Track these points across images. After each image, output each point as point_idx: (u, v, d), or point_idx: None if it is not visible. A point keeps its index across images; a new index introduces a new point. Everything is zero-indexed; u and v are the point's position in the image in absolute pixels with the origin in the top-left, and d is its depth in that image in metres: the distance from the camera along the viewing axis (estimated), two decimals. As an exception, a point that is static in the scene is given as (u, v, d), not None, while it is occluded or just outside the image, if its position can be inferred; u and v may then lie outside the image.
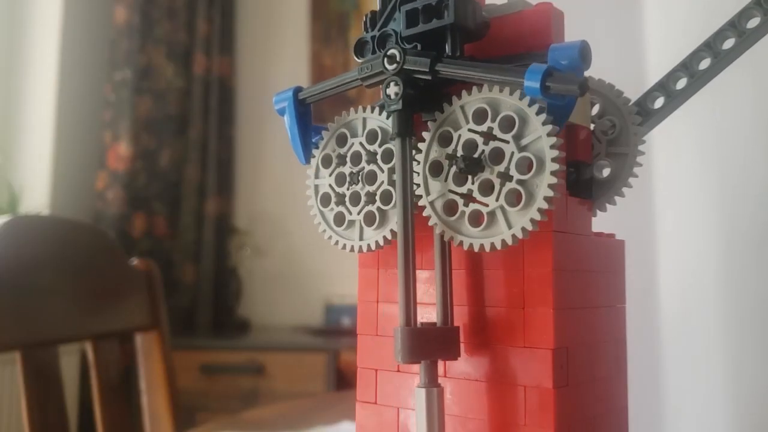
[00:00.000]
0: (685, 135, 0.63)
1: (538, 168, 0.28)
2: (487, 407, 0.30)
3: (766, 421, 0.55)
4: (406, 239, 0.30)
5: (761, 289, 0.55)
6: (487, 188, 0.29)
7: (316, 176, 0.35)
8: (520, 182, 0.28)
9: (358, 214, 0.33)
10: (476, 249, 0.30)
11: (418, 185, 0.31)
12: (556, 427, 0.28)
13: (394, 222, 0.32)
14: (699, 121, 0.61)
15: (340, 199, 0.34)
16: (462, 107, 0.30)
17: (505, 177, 0.29)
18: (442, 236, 0.31)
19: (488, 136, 0.29)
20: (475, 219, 0.30)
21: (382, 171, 0.33)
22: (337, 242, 0.34)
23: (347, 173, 0.34)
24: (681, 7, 0.67)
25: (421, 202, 0.31)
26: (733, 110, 0.58)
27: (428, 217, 0.31)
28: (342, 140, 0.35)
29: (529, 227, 0.28)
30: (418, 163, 0.31)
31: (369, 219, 0.33)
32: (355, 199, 0.34)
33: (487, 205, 0.29)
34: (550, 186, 0.28)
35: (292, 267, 2.14)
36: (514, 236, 0.28)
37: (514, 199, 0.29)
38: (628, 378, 0.35)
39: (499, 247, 0.29)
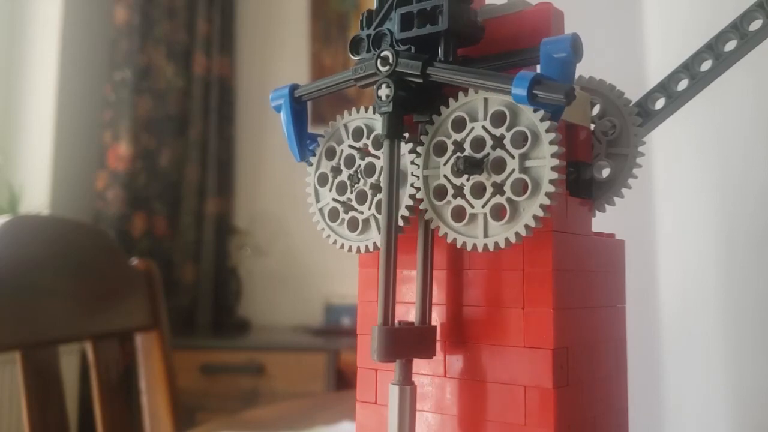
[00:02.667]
0: (686, 135, 0.63)
1: (532, 193, 0.28)
2: (487, 407, 0.30)
3: (766, 421, 0.55)
4: (389, 241, 0.31)
5: (761, 289, 0.55)
6: (478, 190, 0.30)
7: (318, 200, 0.35)
8: (510, 201, 0.29)
9: (369, 209, 0.33)
10: (449, 240, 0.30)
11: (419, 155, 0.31)
12: (556, 427, 0.28)
13: (407, 197, 0.32)
14: (699, 121, 0.61)
15: (348, 206, 0.34)
16: (486, 100, 0.30)
17: (498, 190, 0.29)
18: (425, 237, 0.32)
19: (499, 142, 0.29)
20: (458, 214, 0.30)
21: (378, 158, 0.33)
22: (359, 248, 0.34)
23: (346, 178, 0.34)
24: (681, 7, 0.67)
25: (416, 171, 0.31)
26: (734, 111, 0.58)
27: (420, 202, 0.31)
28: (331, 153, 0.35)
29: (502, 245, 0.29)
30: (422, 144, 0.31)
31: (380, 208, 0.33)
32: (362, 197, 0.34)
33: (472, 207, 0.30)
34: (535, 217, 0.28)
35: (292, 267, 2.14)
36: (486, 245, 0.29)
37: (499, 212, 0.29)
38: (628, 378, 0.35)
39: (469, 248, 0.29)
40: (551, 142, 0.28)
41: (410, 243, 0.33)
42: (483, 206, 0.29)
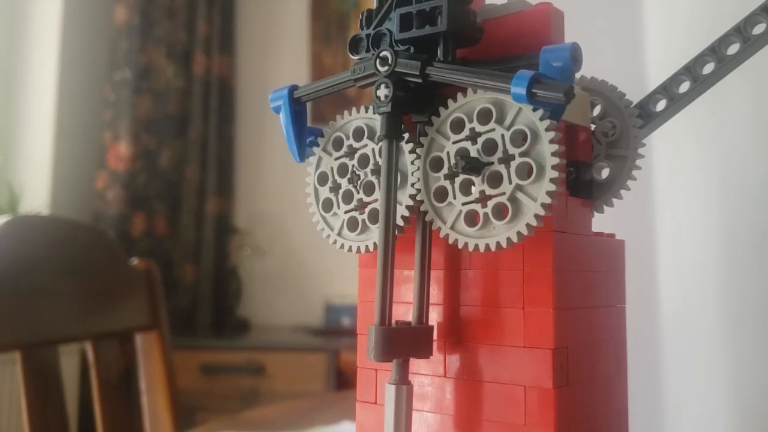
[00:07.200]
0: (686, 136, 0.64)
1: (509, 221, 0.28)
2: (487, 407, 0.30)
3: (766, 421, 0.55)
4: (386, 241, 0.31)
5: (761, 289, 0.55)
6: (467, 189, 0.30)
7: (332, 228, 0.35)
8: (486, 216, 0.29)
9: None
10: (422, 208, 0.31)
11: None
12: (556, 427, 0.28)
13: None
14: (700, 122, 0.61)
15: (362, 209, 0.34)
16: (519, 110, 0.29)
17: (482, 201, 0.29)
18: (423, 237, 0.32)
19: (506, 160, 0.29)
20: (441, 195, 0.30)
21: (366, 146, 0.33)
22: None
23: (347, 184, 0.34)
24: (682, 7, 0.67)
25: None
26: (734, 112, 0.58)
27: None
28: (324, 179, 0.35)
29: (459, 244, 0.29)
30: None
31: None
32: (370, 188, 0.33)
33: (455, 197, 0.30)
34: (499, 241, 0.28)
35: (292, 267, 2.14)
36: (447, 235, 0.30)
37: (473, 219, 0.29)
38: (628, 378, 0.35)
39: (434, 227, 0.31)
40: (548, 192, 0.27)
41: (411, 243, 0.33)
42: (463, 204, 0.30)
